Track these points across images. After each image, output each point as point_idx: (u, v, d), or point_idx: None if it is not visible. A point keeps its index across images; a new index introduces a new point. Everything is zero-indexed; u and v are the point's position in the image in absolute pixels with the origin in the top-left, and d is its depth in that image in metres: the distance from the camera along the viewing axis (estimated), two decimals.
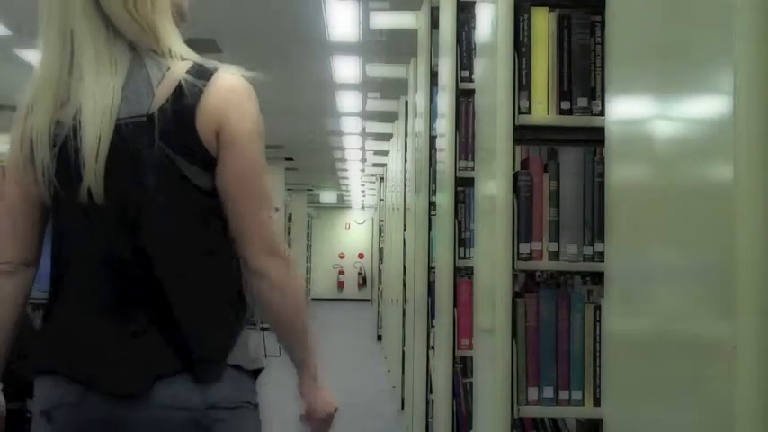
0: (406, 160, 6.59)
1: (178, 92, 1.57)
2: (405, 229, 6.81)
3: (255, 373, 1.68)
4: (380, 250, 14.41)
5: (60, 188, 1.59)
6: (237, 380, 1.62)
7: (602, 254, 2.26)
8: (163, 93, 1.57)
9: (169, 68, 1.59)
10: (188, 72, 1.58)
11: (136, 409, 1.57)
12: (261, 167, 1.62)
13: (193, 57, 1.62)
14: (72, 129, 1.57)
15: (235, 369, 1.62)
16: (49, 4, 1.62)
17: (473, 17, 3.20)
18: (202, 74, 1.59)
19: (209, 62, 1.63)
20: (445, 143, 3.44)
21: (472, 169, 3.26)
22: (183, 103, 1.56)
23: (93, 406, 1.58)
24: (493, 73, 2.33)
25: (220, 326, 1.62)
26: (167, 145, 1.56)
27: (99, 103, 1.56)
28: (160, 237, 1.59)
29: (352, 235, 25.64)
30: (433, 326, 4.06)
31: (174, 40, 1.61)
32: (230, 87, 1.61)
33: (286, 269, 1.64)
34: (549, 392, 2.30)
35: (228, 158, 1.59)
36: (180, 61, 1.60)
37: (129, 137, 1.56)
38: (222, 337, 1.61)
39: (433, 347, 4.07)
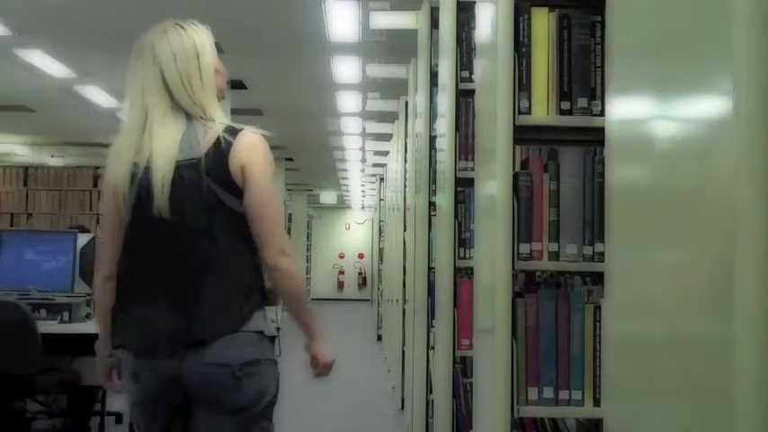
0: (406, 160, 6.59)
1: (216, 144, 2.31)
2: (405, 230, 6.81)
3: (273, 339, 2.38)
4: (380, 250, 14.41)
5: (137, 209, 2.32)
6: (261, 342, 2.33)
7: (602, 254, 2.26)
8: (206, 144, 2.32)
9: (210, 128, 2.34)
10: (223, 131, 2.33)
11: (192, 365, 2.28)
12: (271, 195, 2.36)
13: (227, 121, 2.40)
14: (145, 168, 2.31)
15: (259, 335, 2.33)
16: (133, 84, 2.37)
17: (473, 17, 3.20)
18: (232, 132, 2.34)
19: (238, 125, 2.38)
20: (445, 143, 3.44)
21: (472, 169, 3.26)
22: (220, 151, 2.31)
23: (163, 368, 2.31)
24: (493, 73, 2.33)
25: (240, 307, 2.31)
26: (210, 178, 2.30)
27: (164, 152, 2.29)
28: (204, 243, 2.30)
29: (352, 235, 25.63)
30: (433, 326, 4.05)
31: (214, 111, 2.37)
32: (250, 141, 2.35)
33: (291, 263, 2.39)
34: (549, 392, 2.30)
35: (249, 189, 2.31)
36: (218, 124, 2.35)
37: (184, 173, 2.30)
38: (240, 315, 2.30)
39: (433, 347, 4.07)
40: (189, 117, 2.34)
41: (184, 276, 2.30)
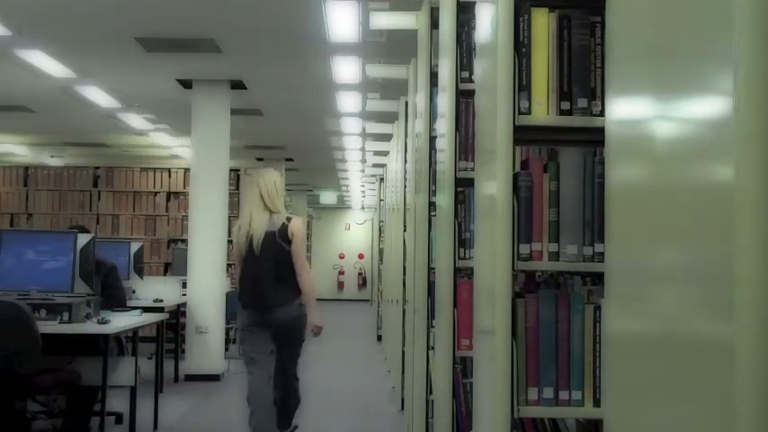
0: (406, 161, 6.59)
1: (283, 224, 5.44)
2: (405, 230, 6.81)
3: (303, 306, 5.48)
4: (380, 251, 14.41)
5: (247, 252, 5.43)
6: (301, 308, 5.45)
7: (602, 254, 2.26)
8: (278, 224, 5.44)
9: (280, 217, 5.46)
10: (286, 218, 5.48)
11: (273, 316, 5.39)
12: (303, 247, 5.50)
13: (287, 213, 5.59)
14: (251, 234, 5.42)
15: (300, 306, 5.45)
16: (247, 197, 5.81)
17: (473, 17, 3.20)
18: (290, 219, 5.49)
19: (291, 214, 5.64)
20: (445, 143, 3.44)
21: (472, 169, 3.26)
22: (284, 227, 5.44)
23: (253, 314, 5.44)
24: (493, 73, 2.33)
25: (290, 294, 5.43)
26: (280, 238, 5.41)
27: (259, 229, 5.42)
28: (275, 267, 5.41)
29: (351, 235, 25.63)
30: (433, 326, 4.06)
31: (282, 209, 5.52)
32: (296, 222, 5.52)
33: (307, 276, 5.51)
34: (549, 393, 2.30)
35: (294, 243, 5.43)
36: (284, 215, 5.49)
37: (269, 236, 5.41)
38: (291, 297, 5.42)
39: (433, 348, 4.07)
40: (270, 212, 5.38)
41: (266, 281, 5.32)
